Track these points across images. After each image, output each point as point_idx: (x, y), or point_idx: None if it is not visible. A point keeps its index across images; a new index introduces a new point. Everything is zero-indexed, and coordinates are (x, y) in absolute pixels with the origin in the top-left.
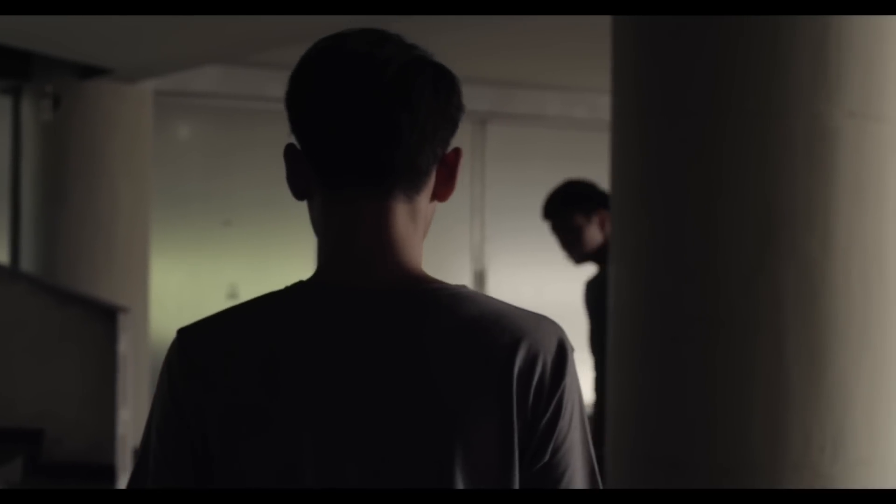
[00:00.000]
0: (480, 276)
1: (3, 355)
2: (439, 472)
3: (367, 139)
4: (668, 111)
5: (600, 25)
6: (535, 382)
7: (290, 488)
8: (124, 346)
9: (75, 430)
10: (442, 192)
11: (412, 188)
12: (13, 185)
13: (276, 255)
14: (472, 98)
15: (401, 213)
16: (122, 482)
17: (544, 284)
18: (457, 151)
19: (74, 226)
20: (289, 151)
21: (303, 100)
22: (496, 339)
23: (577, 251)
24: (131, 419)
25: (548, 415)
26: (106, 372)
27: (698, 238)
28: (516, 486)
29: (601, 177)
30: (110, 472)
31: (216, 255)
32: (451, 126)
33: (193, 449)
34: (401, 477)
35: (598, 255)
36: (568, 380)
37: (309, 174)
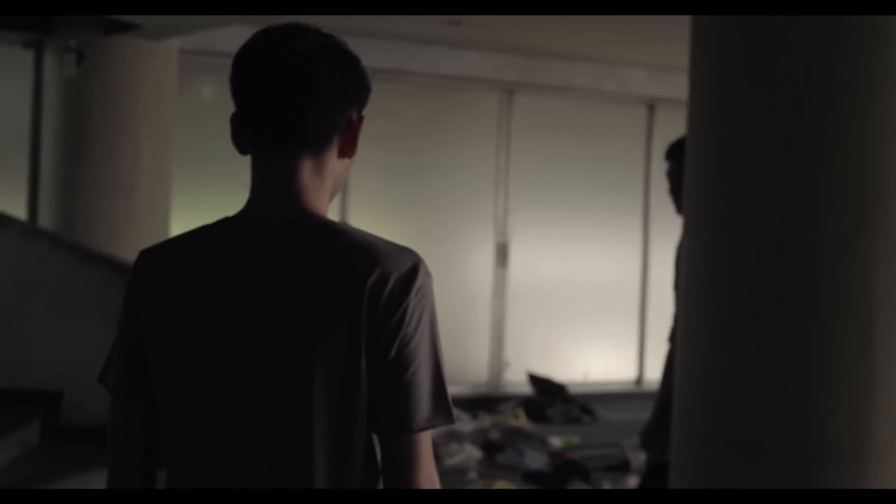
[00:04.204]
0: (503, 249)
1: (21, 315)
2: (301, 360)
3: (275, 115)
4: (754, 79)
5: None
6: (384, 295)
7: (191, 366)
8: None
9: (95, 393)
10: (348, 151)
11: (316, 149)
12: (33, 141)
13: None
14: (499, 67)
15: (305, 168)
16: None
17: (566, 259)
18: (360, 119)
19: (95, 184)
20: (233, 118)
21: (235, 82)
22: (358, 263)
23: (682, 201)
24: None
25: (393, 321)
26: None
27: (784, 213)
28: (363, 374)
29: (629, 152)
30: None
31: None
32: (350, 99)
33: (136, 338)
34: (274, 361)
35: None
36: (414, 296)
37: (244, 135)
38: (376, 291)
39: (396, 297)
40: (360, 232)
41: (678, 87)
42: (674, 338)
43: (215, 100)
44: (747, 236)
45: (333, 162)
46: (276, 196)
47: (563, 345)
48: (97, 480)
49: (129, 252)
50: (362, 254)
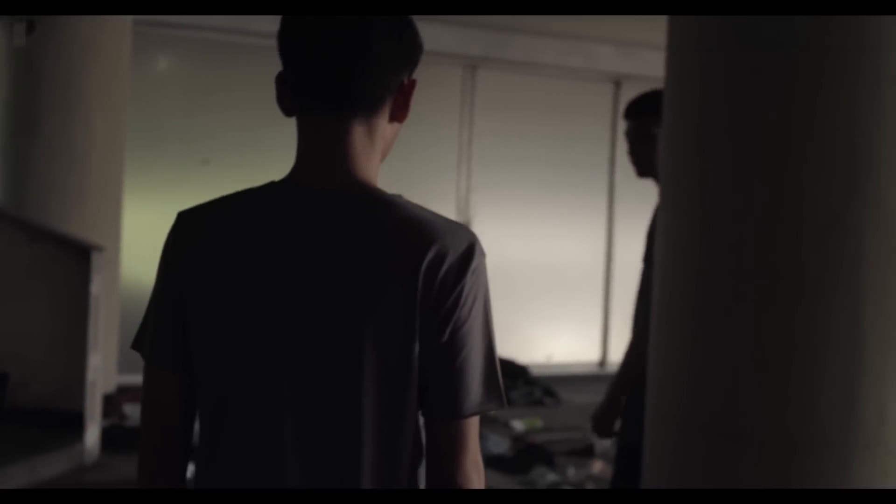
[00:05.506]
0: None
1: None
2: (351, 337)
3: (328, 75)
4: (738, 42)
5: None
6: (440, 276)
7: (235, 336)
8: (97, 286)
9: (42, 374)
10: (399, 115)
11: (369, 112)
12: None
13: None
14: (464, 42)
15: (357, 132)
16: (91, 430)
17: (529, 238)
18: (412, 82)
19: (45, 159)
20: (279, 77)
21: (285, 39)
22: (413, 241)
23: (641, 164)
24: (102, 364)
25: (448, 303)
26: (77, 313)
27: (768, 185)
28: (416, 355)
29: (594, 130)
30: (78, 419)
31: (193, 196)
32: (405, 61)
33: (176, 304)
34: (322, 337)
35: None
36: (470, 277)
37: (291, 97)
38: (432, 272)
39: (452, 279)
40: (413, 206)
41: (645, 63)
42: (638, 318)
43: (171, 74)
44: (728, 210)
45: (384, 126)
46: (326, 161)
47: (526, 326)
48: (45, 464)
49: (79, 229)
50: (417, 231)
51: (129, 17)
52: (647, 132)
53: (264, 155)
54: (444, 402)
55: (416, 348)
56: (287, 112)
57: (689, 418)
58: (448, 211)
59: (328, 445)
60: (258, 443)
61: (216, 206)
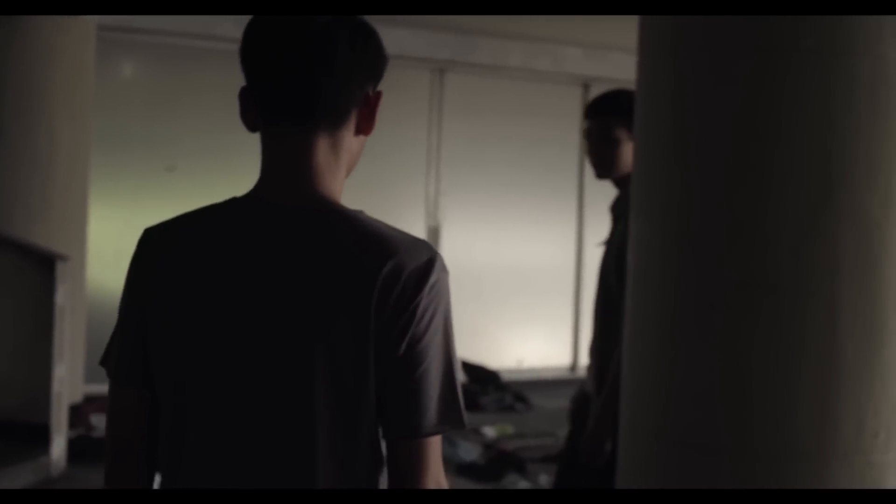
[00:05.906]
0: (434, 232)
1: None
2: (306, 351)
3: (292, 87)
4: (711, 46)
5: None
6: (396, 290)
7: (194, 351)
8: (62, 296)
9: (7, 386)
10: (364, 128)
11: (333, 126)
12: None
13: None
14: (432, 46)
15: (321, 146)
16: (57, 442)
17: (499, 242)
18: (377, 94)
19: (8, 166)
20: (242, 92)
21: (247, 52)
22: (370, 254)
23: (602, 165)
24: (67, 376)
25: (404, 317)
26: (41, 324)
27: (743, 192)
28: (370, 370)
29: (563, 133)
30: (44, 431)
31: (158, 203)
32: (369, 73)
33: (138, 320)
34: (279, 351)
35: (625, 181)
36: (428, 292)
37: (255, 111)
38: (388, 285)
39: (409, 293)
40: (374, 221)
41: (614, 65)
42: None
43: (135, 79)
44: (702, 218)
45: (350, 139)
46: (290, 176)
47: (497, 330)
48: (10, 478)
49: (44, 237)
50: (376, 245)
51: (93, 22)
52: (609, 133)
53: (230, 161)
54: (401, 420)
55: (371, 362)
56: (251, 128)
57: (663, 429)
58: (417, 215)
59: (284, 458)
60: (217, 458)
61: (180, 222)
